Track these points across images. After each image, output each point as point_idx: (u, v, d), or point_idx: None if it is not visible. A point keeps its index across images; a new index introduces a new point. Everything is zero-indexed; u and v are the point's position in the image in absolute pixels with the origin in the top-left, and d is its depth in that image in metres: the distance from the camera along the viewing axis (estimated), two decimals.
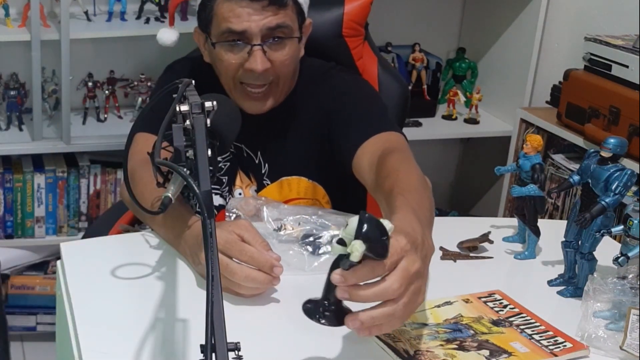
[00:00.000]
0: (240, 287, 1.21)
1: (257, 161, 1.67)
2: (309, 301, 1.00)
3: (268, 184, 1.67)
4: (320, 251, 1.34)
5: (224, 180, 1.68)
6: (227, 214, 1.45)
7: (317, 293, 1.25)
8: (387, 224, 0.96)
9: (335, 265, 0.97)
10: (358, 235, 0.93)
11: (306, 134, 1.65)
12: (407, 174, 1.34)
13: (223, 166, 1.67)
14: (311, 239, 1.35)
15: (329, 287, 0.98)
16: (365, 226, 0.94)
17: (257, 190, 1.67)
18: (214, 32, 1.56)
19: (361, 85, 1.73)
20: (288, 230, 1.38)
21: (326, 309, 0.98)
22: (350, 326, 0.97)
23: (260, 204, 1.43)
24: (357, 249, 0.93)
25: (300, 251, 1.33)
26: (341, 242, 0.95)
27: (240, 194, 1.68)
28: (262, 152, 1.66)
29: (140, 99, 2.73)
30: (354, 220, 0.94)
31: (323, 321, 0.99)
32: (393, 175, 1.34)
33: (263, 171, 1.67)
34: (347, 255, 0.94)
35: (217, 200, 1.67)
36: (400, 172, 1.35)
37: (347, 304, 0.99)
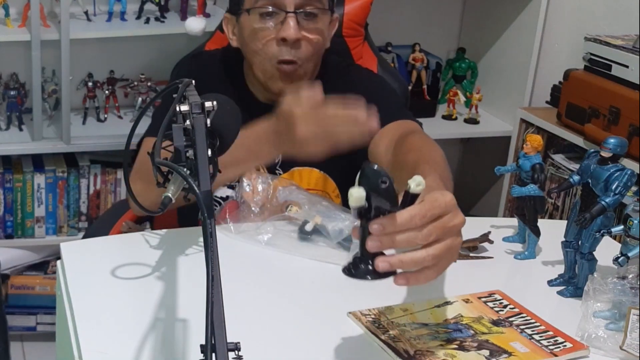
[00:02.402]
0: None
1: None
2: (349, 263, 1.02)
3: (280, 174, 1.68)
4: (303, 238, 1.38)
5: None
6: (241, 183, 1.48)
7: (315, 291, 1.26)
8: (417, 178, 0.98)
9: (365, 224, 0.98)
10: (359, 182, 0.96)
11: None
12: (431, 149, 1.39)
13: None
14: (298, 224, 1.39)
15: (363, 242, 0.99)
16: (364, 173, 0.96)
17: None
18: (247, 3, 1.58)
19: (379, 79, 1.77)
20: (293, 211, 1.40)
21: (365, 263, 1.00)
22: (379, 267, 0.99)
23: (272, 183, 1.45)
24: (352, 194, 0.96)
25: (287, 230, 1.38)
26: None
27: (248, 185, 1.68)
28: None
29: (140, 99, 2.73)
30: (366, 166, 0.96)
31: (368, 276, 1.00)
32: (416, 150, 1.38)
33: (277, 160, 1.67)
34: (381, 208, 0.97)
35: (225, 191, 1.67)
36: (423, 148, 1.39)
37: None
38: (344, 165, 1.64)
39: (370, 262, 1.00)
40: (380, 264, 0.99)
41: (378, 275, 1.00)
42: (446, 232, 1.02)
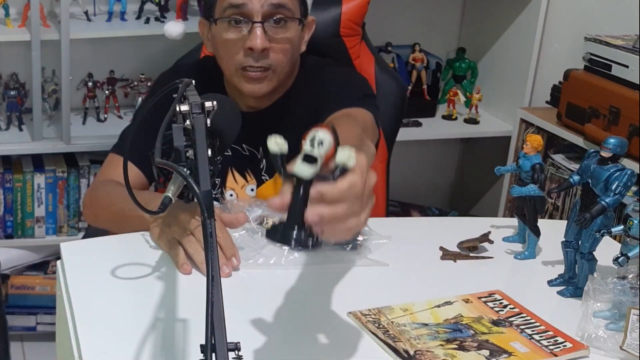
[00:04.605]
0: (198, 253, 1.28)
1: (259, 156, 1.68)
2: (274, 229, 0.96)
3: (267, 179, 1.68)
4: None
5: (216, 182, 1.69)
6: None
7: (315, 291, 1.26)
8: (348, 151, 0.96)
9: (299, 192, 0.94)
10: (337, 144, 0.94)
11: (301, 129, 1.66)
12: (345, 124, 1.38)
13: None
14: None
15: (297, 210, 0.95)
16: (336, 135, 0.94)
17: (258, 187, 1.69)
18: (217, 13, 1.59)
19: (350, 75, 1.75)
20: (270, 225, 1.38)
21: (301, 234, 0.95)
22: (309, 218, 0.94)
23: (243, 205, 1.44)
24: (354, 154, 0.94)
25: (280, 246, 1.34)
26: (308, 160, 0.93)
27: (231, 195, 1.69)
28: (263, 148, 1.68)
29: (140, 99, 2.72)
30: (323, 135, 0.93)
31: (302, 247, 0.96)
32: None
33: (261, 166, 1.68)
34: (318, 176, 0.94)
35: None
36: (334, 121, 1.40)
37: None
38: None
39: (297, 229, 0.95)
40: (311, 216, 0.94)
41: (304, 243, 0.95)
42: (370, 195, 1.00)
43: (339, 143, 0.96)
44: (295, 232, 0.95)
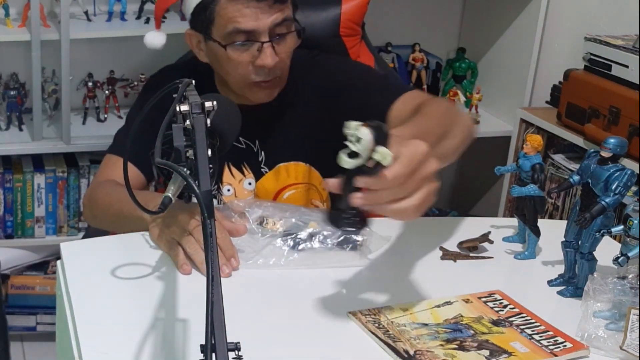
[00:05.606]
0: (197, 253, 1.28)
1: (255, 149, 1.69)
2: (331, 213, 1.09)
3: (266, 172, 1.68)
4: (300, 247, 1.35)
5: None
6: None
7: (315, 291, 1.26)
8: (384, 151, 1.03)
9: (345, 180, 1.04)
10: (380, 143, 1.02)
11: (301, 119, 1.68)
12: (433, 106, 1.44)
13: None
14: (292, 235, 1.37)
15: (344, 196, 1.05)
16: (382, 133, 1.02)
17: (256, 180, 1.69)
18: (218, 33, 1.57)
19: (358, 66, 1.78)
20: (270, 225, 1.38)
21: (348, 218, 1.07)
22: (355, 202, 1.04)
23: (243, 205, 1.44)
24: (389, 153, 1.02)
25: (280, 246, 1.35)
26: (353, 155, 1.02)
27: (228, 190, 1.69)
28: (260, 141, 1.69)
29: None
30: (364, 132, 1.01)
31: (348, 229, 1.09)
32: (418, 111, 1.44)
33: (260, 159, 1.68)
34: (363, 167, 1.03)
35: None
36: (425, 105, 1.45)
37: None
38: (329, 157, 1.64)
39: (344, 213, 1.07)
40: (357, 200, 1.04)
41: (351, 226, 1.08)
42: (424, 181, 1.07)
43: (387, 136, 1.03)
44: (343, 216, 1.07)
